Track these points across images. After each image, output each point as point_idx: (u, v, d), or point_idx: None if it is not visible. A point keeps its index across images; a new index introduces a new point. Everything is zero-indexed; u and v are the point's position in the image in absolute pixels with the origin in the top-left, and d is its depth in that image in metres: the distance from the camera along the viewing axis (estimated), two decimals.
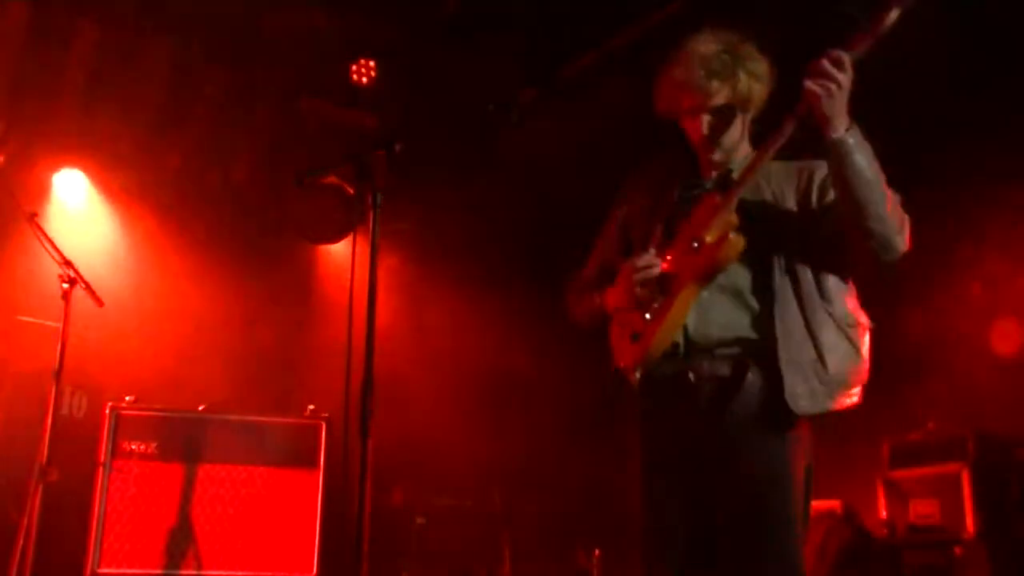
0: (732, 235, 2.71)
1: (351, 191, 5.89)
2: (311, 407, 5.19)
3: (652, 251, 2.86)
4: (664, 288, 2.82)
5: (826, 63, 2.55)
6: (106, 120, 6.03)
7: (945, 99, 5.14)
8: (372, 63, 5.99)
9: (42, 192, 6.25)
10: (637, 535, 2.90)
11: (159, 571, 4.74)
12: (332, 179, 5.87)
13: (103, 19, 5.60)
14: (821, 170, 2.82)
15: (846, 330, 2.77)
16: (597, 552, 5.83)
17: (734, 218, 2.74)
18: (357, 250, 3.04)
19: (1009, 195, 5.42)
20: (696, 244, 2.77)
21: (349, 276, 2.82)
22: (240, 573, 4.82)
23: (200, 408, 5.06)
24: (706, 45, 2.82)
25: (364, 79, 6.02)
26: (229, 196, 6.68)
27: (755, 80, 2.83)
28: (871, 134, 2.63)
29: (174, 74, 5.93)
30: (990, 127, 5.20)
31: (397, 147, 2.76)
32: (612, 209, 3.21)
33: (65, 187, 6.37)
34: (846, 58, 2.54)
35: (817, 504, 5.20)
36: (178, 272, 6.44)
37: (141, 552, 4.74)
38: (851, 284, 2.86)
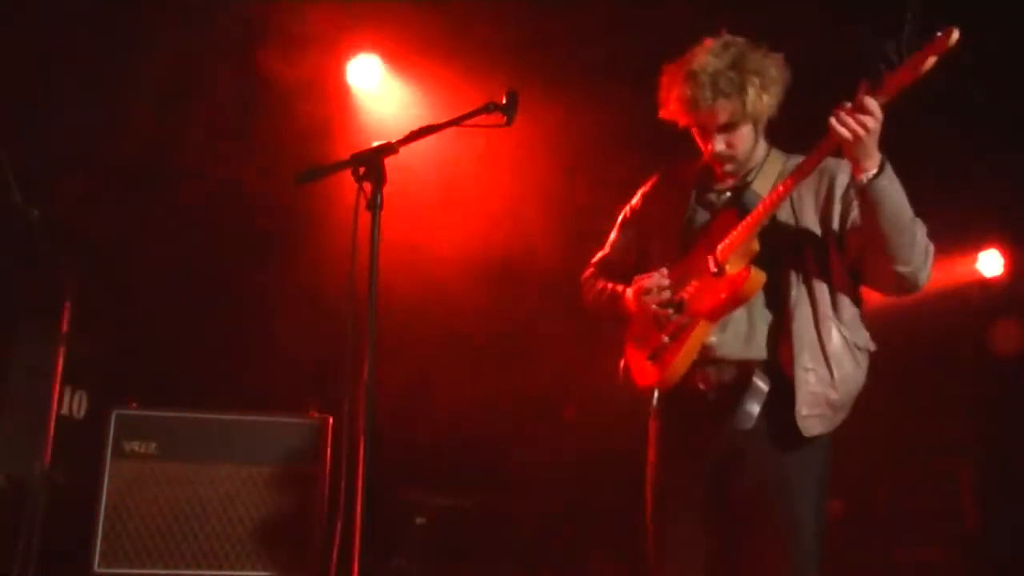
0: (753, 270, 2.68)
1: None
2: (312, 407, 5.19)
3: (664, 273, 2.83)
4: (684, 310, 2.79)
5: (854, 110, 2.47)
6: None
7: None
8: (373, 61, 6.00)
9: None
10: (644, 534, 2.90)
11: (159, 571, 4.74)
12: None
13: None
14: (843, 175, 2.77)
15: (855, 352, 2.74)
16: None
17: (755, 245, 2.72)
18: (357, 250, 3.04)
19: (1010, 194, 5.42)
20: (717, 270, 2.74)
21: (349, 276, 2.81)
22: (240, 573, 4.82)
23: (200, 408, 5.06)
24: (713, 61, 2.75)
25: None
26: (229, 194, 6.67)
27: (764, 92, 2.76)
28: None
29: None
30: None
31: (398, 146, 2.77)
32: (627, 205, 3.20)
33: None
34: (875, 105, 2.46)
35: None
36: (178, 272, 6.43)
37: (141, 552, 4.74)
38: (862, 306, 2.82)
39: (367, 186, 2.69)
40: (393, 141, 2.75)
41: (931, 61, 2.36)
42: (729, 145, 2.82)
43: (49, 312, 4.54)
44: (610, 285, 3.10)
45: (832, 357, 2.68)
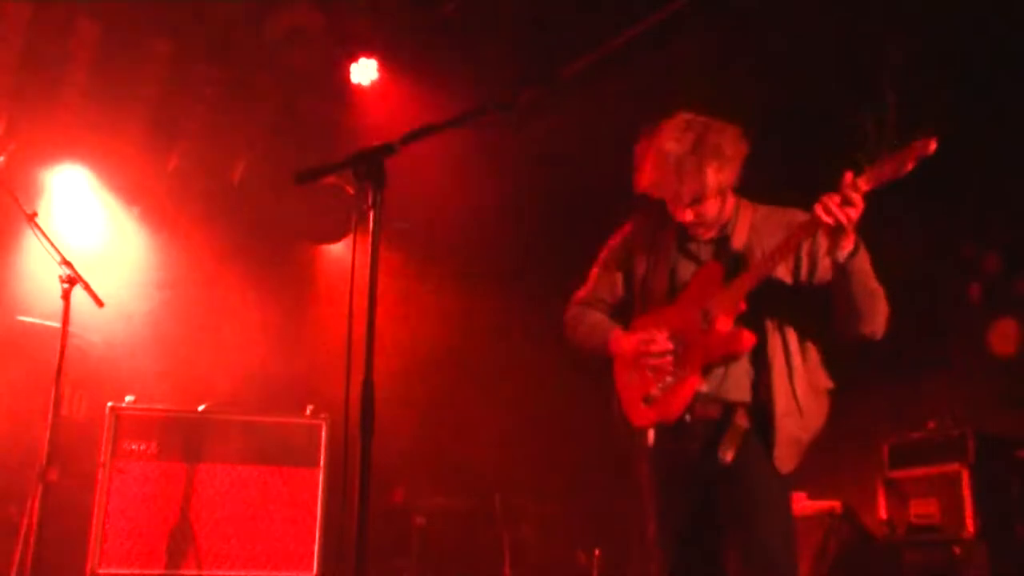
0: (747, 333, 2.95)
1: (351, 191, 5.85)
2: (311, 407, 5.19)
3: (665, 336, 3.06)
4: (676, 360, 3.03)
5: (841, 202, 2.71)
6: (106, 118, 6.02)
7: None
8: (372, 63, 5.99)
9: (41, 190, 6.23)
10: (637, 537, 3.07)
11: (159, 571, 4.73)
12: (332, 179, 5.85)
13: (103, 17, 5.58)
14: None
15: (819, 395, 3.04)
16: (597, 552, 5.83)
17: (743, 305, 2.96)
18: (357, 250, 3.03)
19: (1009, 193, 5.41)
20: (706, 325, 3.00)
21: (349, 276, 2.81)
22: (240, 573, 4.82)
23: (200, 408, 5.06)
24: (674, 146, 2.98)
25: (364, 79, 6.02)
26: (229, 195, 6.67)
27: (721, 171, 2.99)
28: None
29: (174, 73, 5.93)
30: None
31: (398, 146, 2.75)
32: (612, 239, 3.38)
33: (64, 185, 6.35)
34: (859, 198, 2.70)
35: (817, 504, 5.23)
36: (178, 271, 6.43)
37: (141, 552, 4.73)
38: (820, 349, 3.10)
39: (366, 186, 2.67)
40: (394, 141, 2.74)
41: (911, 165, 2.62)
42: (698, 215, 3.06)
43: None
44: (602, 323, 3.31)
45: (802, 402, 2.97)
